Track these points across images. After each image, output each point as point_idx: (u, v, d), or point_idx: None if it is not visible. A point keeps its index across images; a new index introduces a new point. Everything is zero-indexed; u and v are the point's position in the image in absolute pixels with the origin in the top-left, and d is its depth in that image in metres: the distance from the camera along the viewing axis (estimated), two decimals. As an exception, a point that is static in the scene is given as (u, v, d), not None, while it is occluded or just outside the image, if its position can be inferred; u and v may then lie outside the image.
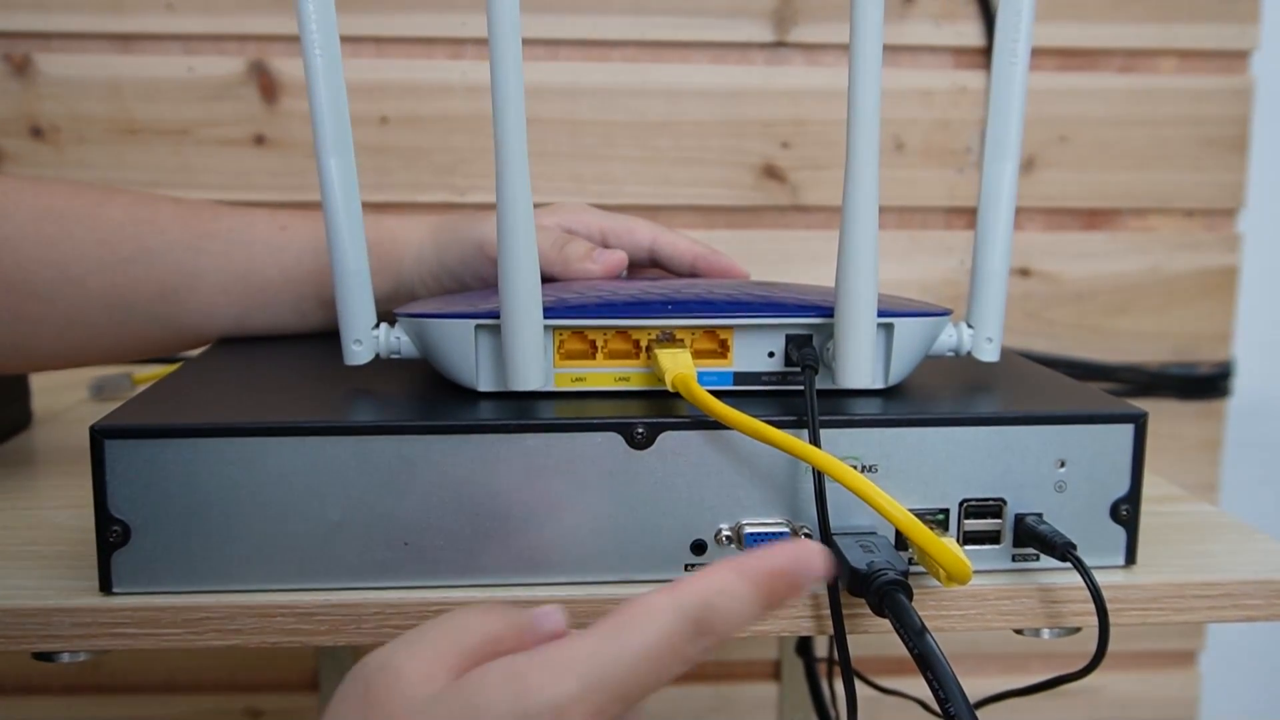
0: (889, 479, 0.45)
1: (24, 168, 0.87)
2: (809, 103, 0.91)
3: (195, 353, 0.60)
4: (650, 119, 0.90)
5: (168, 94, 0.87)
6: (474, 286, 0.59)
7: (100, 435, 0.42)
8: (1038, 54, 0.87)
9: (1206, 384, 0.97)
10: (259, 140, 0.88)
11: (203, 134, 0.88)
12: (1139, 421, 0.46)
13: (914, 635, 0.38)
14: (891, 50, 0.87)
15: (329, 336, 0.52)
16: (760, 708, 0.99)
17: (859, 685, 0.46)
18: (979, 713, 0.37)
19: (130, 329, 0.59)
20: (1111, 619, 0.44)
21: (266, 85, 0.88)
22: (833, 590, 0.43)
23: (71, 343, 0.58)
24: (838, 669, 0.79)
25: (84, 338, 0.58)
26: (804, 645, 0.85)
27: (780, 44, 0.90)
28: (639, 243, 0.60)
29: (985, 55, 0.91)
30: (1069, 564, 0.44)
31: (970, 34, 0.91)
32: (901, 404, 0.47)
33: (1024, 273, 0.94)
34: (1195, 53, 0.92)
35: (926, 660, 0.37)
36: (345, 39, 0.46)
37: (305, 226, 0.60)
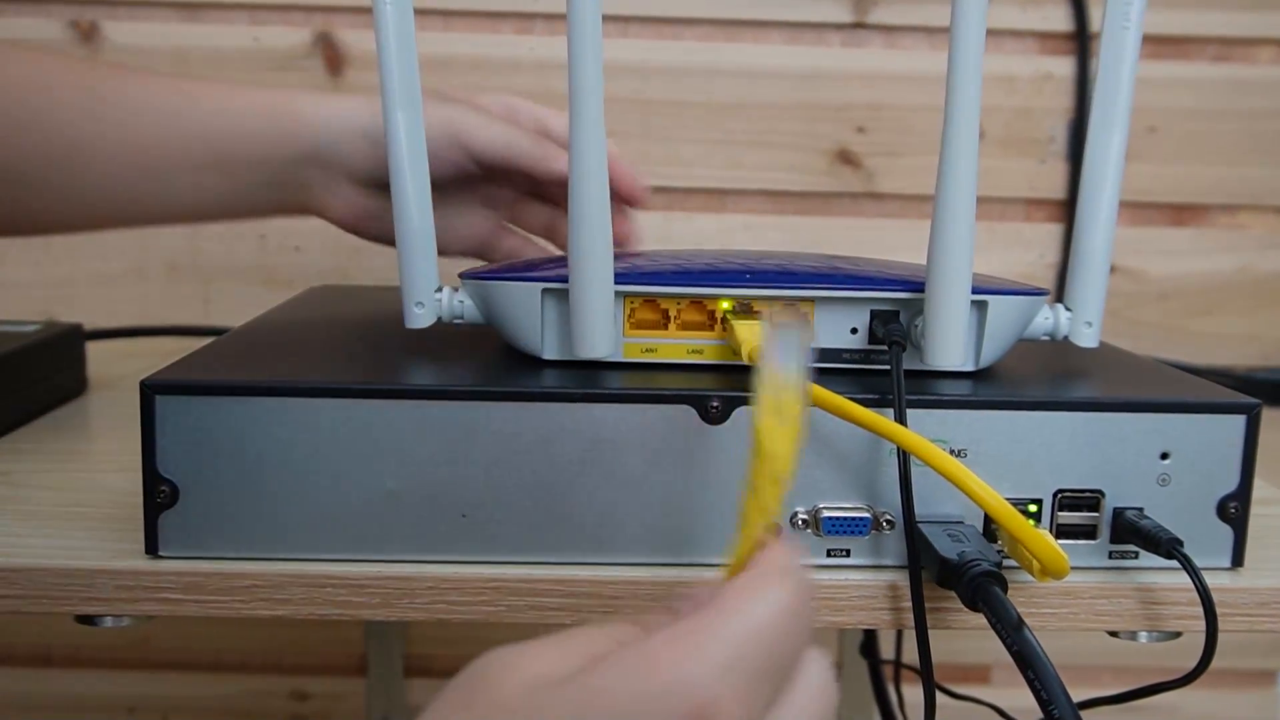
0: (979, 465, 0.42)
1: (88, 136, 0.86)
2: (887, 87, 0.88)
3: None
4: (722, 100, 0.87)
5: (233, 64, 0.86)
6: (442, 180, 0.55)
7: (151, 390, 0.40)
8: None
9: (1297, 391, 0.93)
10: (323, 113, 0.87)
11: (267, 105, 0.87)
12: (1252, 413, 0.43)
13: (1011, 630, 0.35)
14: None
15: (392, 299, 0.50)
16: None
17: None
18: None
19: (24, 201, 0.56)
20: (1219, 623, 0.40)
21: (332, 57, 0.86)
22: (915, 580, 0.40)
23: None
24: (905, 672, 0.76)
25: None
26: (869, 646, 0.81)
27: (859, 25, 0.87)
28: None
29: (1073, 41, 0.87)
30: (1173, 563, 0.41)
31: (1057, 18, 0.87)
32: (992, 386, 0.44)
33: (1107, 269, 0.91)
34: (1296, 43, 0.88)
35: (1025, 657, 0.34)
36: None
37: (208, 91, 0.58)
